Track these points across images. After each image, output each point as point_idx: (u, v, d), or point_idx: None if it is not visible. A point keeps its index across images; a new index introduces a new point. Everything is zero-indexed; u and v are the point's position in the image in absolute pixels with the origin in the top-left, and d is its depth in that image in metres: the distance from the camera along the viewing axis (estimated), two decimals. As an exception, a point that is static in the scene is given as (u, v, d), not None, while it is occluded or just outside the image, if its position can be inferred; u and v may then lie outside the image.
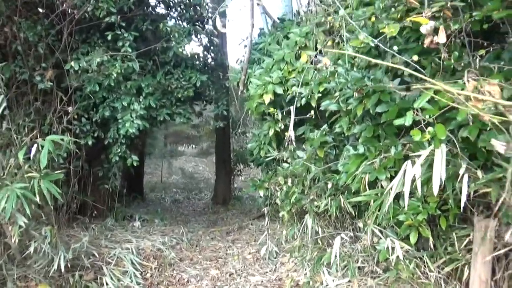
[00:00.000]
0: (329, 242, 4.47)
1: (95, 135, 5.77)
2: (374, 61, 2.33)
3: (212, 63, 7.07)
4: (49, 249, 3.90)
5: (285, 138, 5.96)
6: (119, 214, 7.24)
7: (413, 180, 2.51)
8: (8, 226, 3.88)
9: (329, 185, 4.15)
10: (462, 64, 2.37)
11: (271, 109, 4.84)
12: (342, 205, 3.99)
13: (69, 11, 4.54)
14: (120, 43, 5.10)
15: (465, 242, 3.24)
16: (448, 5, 2.08)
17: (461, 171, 2.45)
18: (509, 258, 3.04)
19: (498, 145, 1.91)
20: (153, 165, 16.40)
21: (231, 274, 4.84)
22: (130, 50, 5.06)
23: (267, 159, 5.40)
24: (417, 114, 2.40)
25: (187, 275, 4.75)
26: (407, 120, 2.46)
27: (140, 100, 5.30)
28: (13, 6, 4.57)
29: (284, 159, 5.46)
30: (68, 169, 5.60)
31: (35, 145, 3.75)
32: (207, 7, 5.95)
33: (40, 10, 4.31)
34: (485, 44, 2.34)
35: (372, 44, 2.71)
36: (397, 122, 2.68)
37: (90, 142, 5.64)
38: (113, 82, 5.08)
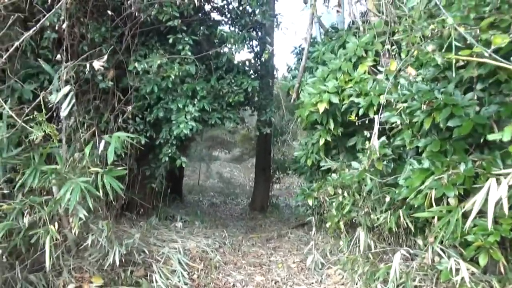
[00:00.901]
0: (381, 258, 4.32)
1: (148, 134, 5.90)
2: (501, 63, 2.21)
3: (262, 69, 7.09)
4: (106, 243, 3.98)
5: (335, 147, 5.92)
6: (162, 214, 7.35)
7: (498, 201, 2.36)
8: (68, 218, 4.02)
9: (387, 199, 4.02)
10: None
11: (316, 117, 4.80)
12: (401, 220, 3.84)
13: (135, 14, 4.68)
14: (180, 47, 5.21)
15: (538, 269, 3.04)
16: None
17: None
18: None
19: None
20: (191, 168, 16.63)
21: (276, 282, 4.78)
22: (189, 53, 5.15)
23: (322, 168, 5.30)
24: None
25: (233, 279, 4.73)
26: (505, 135, 2.32)
27: (195, 102, 5.38)
28: (84, 8, 4.77)
29: (333, 169, 5.38)
30: (120, 167, 5.76)
31: (103, 142, 3.86)
32: (265, 15, 5.96)
33: (109, 12, 4.45)
34: None
35: (486, 54, 2.55)
36: (491, 137, 2.54)
37: (143, 142, 5.76)
38: (171, 84, 5.19)
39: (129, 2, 4.50)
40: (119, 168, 3.84)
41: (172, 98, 5.42)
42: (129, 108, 4.97)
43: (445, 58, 2.81)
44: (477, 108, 3.20)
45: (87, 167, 3.86)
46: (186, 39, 5.19)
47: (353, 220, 4.94)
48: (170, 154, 5.83)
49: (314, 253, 5.17)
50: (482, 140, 3.16)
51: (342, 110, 4.96)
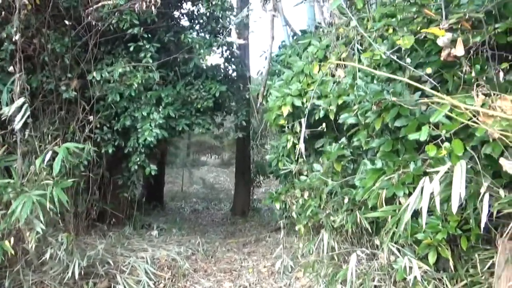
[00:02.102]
0: (345, 259, 4.34)
1: (116, 143, 5.88)
2: (385, 75, 2.25)
3: (233, 74, 7.11)
4: (65, 256, 3.94)
5: (305, 149, 5.95)
6: (138, 223, 7.32)
7: (431, 198, 2.39)
8: (22, 233, 3.98)
9: (346, 200, 4.05)
10: (485, 78, 2.27)
11: (282, 121, 4.84)
12: (359, 220, 3.87)
13: (94, 23, 4.67)
14: (142, 54, 5.21)
15: (488, 265, 3.08)
16: (467, 17, 2.00)
17: (482, 190, 2.32)
18: (536, 283, 2.85)
19: (507, 164, 1.79)
20: (174, 174, 16.57)
21: (244, 287, 4.77)
22: (151, 61, 5.16)
23: (284, 172, 5.33)
24: (433, 129, 2.30)
25: (200, 287, 4.71)
26: (422, 135, 2.37)
27: (160, 110, 5.37)
28: (42, 18, 4.75)
29: (301, 171, 5.41)
30: (89, 177, 5.73)
31: (50, 152, 3.83)
32: (228, 19, 6.00)
33: (67, 22, 4.44)
34: (510, 57, 2.23)
35: (384, 57, 2.63)
36: (412, 136, 2.58)
37: (110, 151, 5.74)
38: (134, 92, 5.19)
39: (86, 11, 4.48)
40: (70, 180, 3.81)
41: (137, 106, 5.42)
42: (91, 118, 4.93)
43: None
44: (424, 108, 3.24)
45: (42, 179, 3.83)
46: (147, 46, 5.19)
47: (321, 223, 4.97)
48: (139, 163, 5.81)
49: (283, 257, 5.18)
50: (426, 139, 3.20)
51: (305, 112, 4.99)
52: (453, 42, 1.97)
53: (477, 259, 3.11)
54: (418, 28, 2.68)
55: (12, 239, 3.72)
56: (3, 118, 3.91)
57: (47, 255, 3.91)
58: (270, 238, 7.51)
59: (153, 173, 5.89)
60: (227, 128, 10.57)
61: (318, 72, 4.75)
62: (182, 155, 17.27)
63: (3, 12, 4.23)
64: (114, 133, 5.87)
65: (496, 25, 2.13)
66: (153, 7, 4.40)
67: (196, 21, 6.48)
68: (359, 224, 3.97)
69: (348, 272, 3.55)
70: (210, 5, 5.92)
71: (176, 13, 6.76)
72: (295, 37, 6.67)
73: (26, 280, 4.02)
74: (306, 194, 4.66)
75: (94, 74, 4.88)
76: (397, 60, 2.27)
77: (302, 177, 5.19)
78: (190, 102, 6.02)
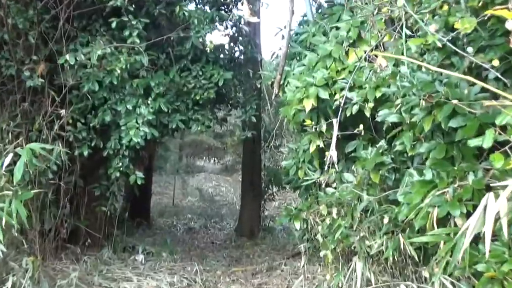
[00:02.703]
0: (384, 294, 4.39)
1: (92, 144, 5.99)
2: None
3: (241, 57, 7.18)
4: (30, 286, 4.05)
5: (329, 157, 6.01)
6: (118, 245, 7.44)
7: (497, 219, 2.43)
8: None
9: (386, 220, 4.09)
10: None
11: (308, 121, 4.88)
12: (402, 246, 3.91)
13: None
14: (127, 32, 5.31)
15: None
16: None
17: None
18: None
19: None
20: (164, 183, 16.73)
21: (256, 330, 4.85)
22: (138, 40, 5.25)
23: (306, 182, 5.39)
24: (500, 133, 2.34)
25: (199, 328, 4.80)
26: (486, 141, 2.40)
27: (149, 102, 5.47)
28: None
29: (329, 183, 5.46)
30: (58, 186, 5.84)
31: (10, 155, 3.94)
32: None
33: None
34: None
35: (439, 44, 2.66)
36: (473, 143, 2.61)
37: (86, 153, 5.85)
38: (116, 80, 5.29)
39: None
40: (34, 190, 3.92)
41: (120, 97, 5.52)
42: (63, 111, 5.04)
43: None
44: (485, 105, 3.27)
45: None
46: (134, 22, 5.29)
47: (353, 248, 5.02)
48: (121, 169, 5.91)
49: (303, 291, 5.24)
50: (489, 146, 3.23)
51: (333, 107, 5.05)
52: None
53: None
54: (480, 4, 2.71)
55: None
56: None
57: (9, 284, 4.01)
58: (286, 266, 7.59)
59: (139, 181, 5.99)
60: (232, 125, 10.63)
61: (360, 59, 4.79)
62: (173, 158, 17.37)
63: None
64: (90, 131, 5.98)
65: None
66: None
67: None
68: (403, 251, 4.00)
69: (389, 312, 3.60)
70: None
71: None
72: (320, 11, 6.72)
73: (-18, 316, 4.14)
74: (334, 212, 4.70)
75: (67, 57, 4.98)
76: (455, 48, 2.30)
77: (329, 190, 5.25)
78: (186, 92, 6.11)
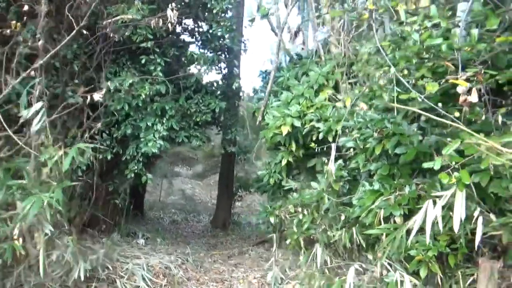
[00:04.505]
0: (337, 272, 4.66)
1: (114, 150, 6.00)
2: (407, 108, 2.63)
3: (229, 91, 7.41)
4: (71, 259, 4.05)
5: (296, 168, 6.32)
6: (124, 230, 7.37)
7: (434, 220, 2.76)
8: (32, 233, 4.06)
9: (342, 217, 4.39)
10: (483, 118, 2.70)
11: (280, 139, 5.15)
12: (354, 236, 4.21)
13: (109, 35, 4.87)
14: (151, 67, 5.43)
15: (469, 281, 3.47)
16: (482, 72, 2.42)
17: (476, 213, 2.72)
18: (512, 298, 3.27)
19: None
20: (151, 184, 16.44)
21: (238, 297, 4.99)
22: (161, 74, 5.38)
23: (284, 188, 5.65)
24: (444, 160, 2.67)
25: (196, 295, 4.90)
26: (436, 165, 2.74)
27: (163, 121, 5.58)
28: (59, 24, 4.90)
29: (294, 188, 5.75)
30: (84, 182, 5.81)
31: (61, 151, 3.97)
32: (234, 39, 6.33)
33: (84, 31, 4.62)
34: (503, 102, 2.67)
35: (420, 100, 2.97)
36: (426, 165, 2.95)
37: (109, 157, 5.86)
38: (141, 103, 5.38)
39: (104, 22, 4.68)
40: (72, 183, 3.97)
41: (141, 116, 5.60)
42: (98, 124, 5.07)
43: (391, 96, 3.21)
44: (420, 138, 3.66)
45: (48, 181, 3.95)
46: (158, 60, 5.43)
47: (311, 237, 5.28)
48: (136, 171, 5.95)
49: (274, 269, 5.43)
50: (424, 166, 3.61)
51: (303, 133, 5.36)
52: (468, 90, 2.37)
53: (460, 276, 3.51)
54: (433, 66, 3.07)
55: (21, 239, 3.80)
56: (21, 121, 4.02)
57: (53, 257, 4.00)
58: (253, 252, 7.74)
59: (149, 181, 6.05)
60: (214, 141, 10.77)
61: (325, 99, 5.12)
62: (161, 165, 17.17)
63: (25, 17, 4.36)
64: (113, 140, 5.99)
65: (497, 77, 2.57)
66: (169, 25, 4.67)
67: (199, 38, 6.76)
68: (353, 241, 4.30)
69: (346, 285, 3.86)
70: (216, 25, 6.22)
71: (178, 29, 7.03)
72: (291, 61, 7.09)
73: (27, 281, 4.08)
74: (304, 211, 4.95)
75: (108, 83, 5.05)
76: (428, 102, 2.62)
77: (294, 194, 5.54)
78: (189, 115, 6.26)
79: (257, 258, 7.20)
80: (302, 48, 5.99)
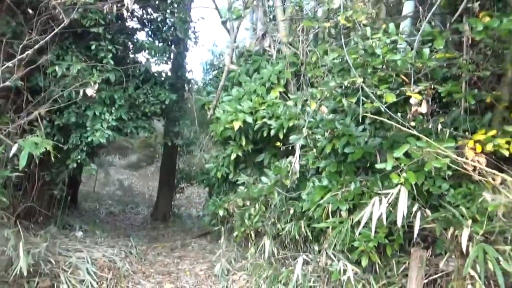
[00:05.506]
0: (283, 263, 4.93)
1: (55, 139, 5.70)
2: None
3: (178, 83, 7.36)
4: (12, 253, 3.85)
5: (244, 162, 6.48)
6: (60, 223, 7.04)
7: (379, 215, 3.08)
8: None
9: (291, 211, 4.65)
10: (424, 126, 3.08)
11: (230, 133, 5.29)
12: (302, 229, 4.49)
13: (57, 17, 4.61)
14: (102, 54, 5.24)
15: (402, 268, 3.91)
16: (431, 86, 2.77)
17: (414, 209, 3.10)
18: (437, 283, 3.74)
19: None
20: (84, 174, 15.65)
21: (185, 288, 5.07)
22: (112, 62, 5.21)
23: (232, 182, 5.77)
24: (395, 161, 2.99)
25: (143, 288, 4.88)
26: (388, 166, 3.05)
27: (112, 111, 5.42)
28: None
29: (244, 182, 5.92)
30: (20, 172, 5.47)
31: (16, 145, 3.76)
32: (184, 30, 6.29)
33: (30, 11, 4.34)
34: (441, 112, 3.06)
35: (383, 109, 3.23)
36: (380, 165, 3.25)
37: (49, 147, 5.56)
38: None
39: (53, 2, 4.43)
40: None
41: (88, 104, 5.39)
42: (41, 110, 4.80)
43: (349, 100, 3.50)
44: (366, 139, 4.02)
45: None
46: (110, 47, 5.25)
47: (259, 230, 5.50)
48: (79, 161, 5.72)
49: (221, 260, 5.58)
50: (368, 165, 3.97)
51: (254, 129, 5.54)
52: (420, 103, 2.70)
53: (395, 264, 3.93)
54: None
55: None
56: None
57: (-7, 251, 3.77)
58: (195, 244, 7.81)
59: (93, 172, 5.85)
60: (157, 133, 10.57)
61: (276, 97, 5.32)
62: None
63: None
64: (53, 128, 5.70)
65: (440, 90, 2.95)
66: (124, 11, 4.55)
67: (149, 26, 6.61)
68: (300, 233, 4.58)
69: (294, 274, 4.14)
70: (167, 13, 6.14)
71: (127, 15, 6.81)
72: (242, 57, 7.20)
73: (-39, 277, 3.82)
74: (255, 204, 5.12)
75: (56, 68, 4.77)
76: (387, 111, 2.90)
77: (241, 188, 5.71)
78: (137, 105, 6.13)
79: (201, 250, 7.29)
80: (266, 49, 6.13)
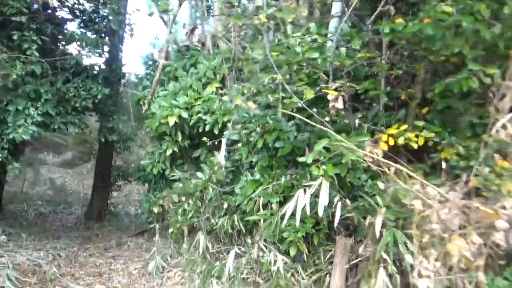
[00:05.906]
0: (217, 257, 5.00)
1: (-29, 135, 5.30)
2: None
3: (112, 76, 7.12)
4: None
5: (180, 157, 6.43)
6: (-21, 226, 6.55)
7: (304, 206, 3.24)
8: None
9: (225, 205, 4.73)
10: (345, 121, 3.30)
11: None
12: (235, 223, 4.58)
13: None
14: (26, 45, 4.93)
15: (328, 256, 4.13)
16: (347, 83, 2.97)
17: (336, 199, 3.31)
18: (358, 267, 4.01)
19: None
20: (11, 174, 14.58)
21: (117, 288, 4.95)
22: (36, 53, 4.93)
23: (169, 178, 5.72)
24: (316, 155, 3.16)
25: (71, 290, 4.70)
26: (309, 159, 3.21)
27: (38, 106, 5.13)
28: None
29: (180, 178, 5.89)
30: None
31: None
32: (118, 22, 6.10)
33: None
34: (360, 108, 3.30)
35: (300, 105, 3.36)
36: (302, 159, 3.41)
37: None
38: (11, 84, 4.85)
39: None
40: None
41: (10, 98, 5.05)
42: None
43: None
44: (295, 134, 4.19)
45: None
46: (34, 38, 4.95)
47: (194, 225, 5.52)
48: (0, 159, 5.35)
49: (156, 258, 5.52)
50: (297, 159, 4.15)
51: (190, 124, 5.53)
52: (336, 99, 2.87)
53: (322, 252, 4.15)
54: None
55: None
56: None
57: None
58: (131, 243, 7.60)
59: (16, 172, 5.51)
60: (92, 129, 10.13)
61: (212, 92, 5.35)
62: (25, 151, 15.32)
63: None
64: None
65: (357, 88, 3.17)
66: (54, 0, 4.33)
67: (81, 17, 6.32)
68: (234, 226, 4.68)
69: (226, 268, 4.21)
70: (99, 3, 5.93)
71: (56, 3, 6.46)
72: (179, 51, 7.13)
73: None
74: (189, 200, 5.12)
75: (-30, 58, 4.42)
76: (307, 108, 3.04)
77: (177, 183, 5.68)
78: (67, 99, 5.85)
79: (137, 249, 7.13)
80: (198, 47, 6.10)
